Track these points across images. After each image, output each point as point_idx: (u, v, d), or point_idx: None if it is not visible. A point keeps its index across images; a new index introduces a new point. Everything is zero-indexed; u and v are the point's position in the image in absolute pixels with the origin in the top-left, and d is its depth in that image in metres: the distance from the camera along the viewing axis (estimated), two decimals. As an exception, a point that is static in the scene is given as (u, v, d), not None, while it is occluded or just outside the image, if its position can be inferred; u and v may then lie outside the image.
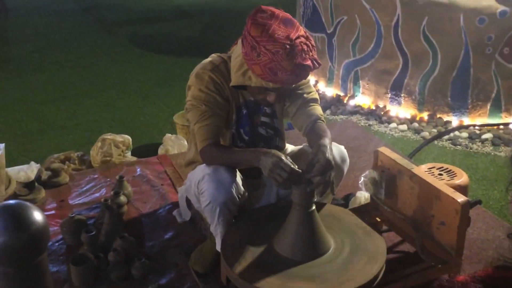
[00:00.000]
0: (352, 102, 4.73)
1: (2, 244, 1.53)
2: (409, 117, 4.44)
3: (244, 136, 2.35)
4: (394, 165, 2.30)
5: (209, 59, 2.28)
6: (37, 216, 1.60)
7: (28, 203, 1.63)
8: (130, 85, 5.42)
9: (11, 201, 1.64)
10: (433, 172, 2.45)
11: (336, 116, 4.52)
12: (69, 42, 6.87)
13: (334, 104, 4.72)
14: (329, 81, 5.02)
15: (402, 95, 4.47)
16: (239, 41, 2.15)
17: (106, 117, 4.62)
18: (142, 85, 5.40)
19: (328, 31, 4.86)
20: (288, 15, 2.08)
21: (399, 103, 4.50)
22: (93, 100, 5.01)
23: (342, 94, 4.90)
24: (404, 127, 4.29)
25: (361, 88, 4.73)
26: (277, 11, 2.06)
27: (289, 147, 2.55)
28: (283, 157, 1.98)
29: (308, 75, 2.17)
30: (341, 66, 4.83)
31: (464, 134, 4.10)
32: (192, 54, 6.23)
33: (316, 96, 2.37)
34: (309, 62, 2.03)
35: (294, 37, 2.00)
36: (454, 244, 2.08)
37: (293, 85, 2.22)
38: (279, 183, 1.97)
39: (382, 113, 4.51)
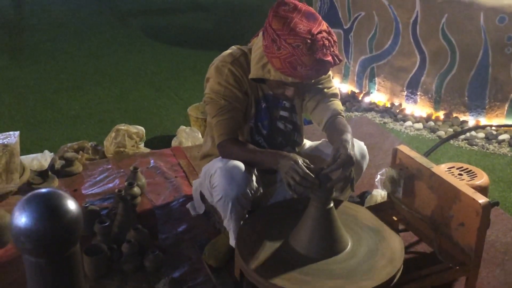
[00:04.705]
0: (367, 99, 4.68)
1: (36, 233, 1.49)
2: (425, 115, 4.39)
3: (263, 130, 2.32)
4: (413, 163, 2.27)
5: (229, 51, 2.26)
6: (71, 205, 1.56)
7: (62, 192, 1.59)
8: (144, 76, 5.40)
9: (44, 189, 1.60)
10: (452, 172, 2.42)
11: (350, 113, 4.48)
12: (83, 32, 6.86)
13: (349, 101, 4.68)
14: (344, 77, 4.97)
15: (418, 93, 4.42)
16: (260, 33, 2.12)
17: (119, 108, 4.61)
18: (156, 77, 5.38)
19: (345, 27, 4.82)
20: (311, 9, 2.05)
21: (415, 101, 4.46)
22: (107, 90, 5.00)
23: (357, 90, 4.85)
24: (420, 125, 4.24)
25: (376, 85, 4.69)
26: (300, 5, 2.03)
27: (307, 143, 2.52)
28: (300, 161, 1.95)
29: (328, 71, 2.15)
30: (357, 63, 4.79)
31: (481, 135, 4.05)
32: (206, 46, 6.20)
33: (336, 91, 2.34)
34: (329, 58, 2.00)
35: (315, 32, 1.97)
36: (473, 245, 2.05)
37: (312, 81, 2.19)
38: (291, 186, 1.94)
39: (398, 111, 4.46)
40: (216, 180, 2.12)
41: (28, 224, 1.49)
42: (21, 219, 1.50)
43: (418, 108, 4.45)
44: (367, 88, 4.77)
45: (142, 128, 3.64)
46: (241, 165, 2.10)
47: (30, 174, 2.93)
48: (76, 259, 1.67)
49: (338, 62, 2.05)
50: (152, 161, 3.28)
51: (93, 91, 4.97)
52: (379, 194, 2.75)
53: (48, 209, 1.52)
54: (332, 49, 2.02)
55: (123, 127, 3.51)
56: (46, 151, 3.33)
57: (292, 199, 2.30)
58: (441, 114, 4.35)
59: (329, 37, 2.02)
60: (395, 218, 2.39)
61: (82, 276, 1.73)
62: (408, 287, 2.01)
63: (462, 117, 4.27)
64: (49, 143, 3.85)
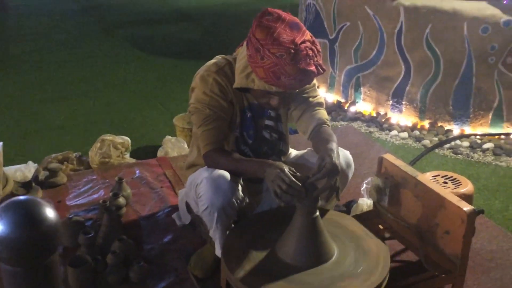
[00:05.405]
0: (352, 109, 4.70)
1: (13, 242, 1.46)
2: (410, 124, 4.41)
3: (248, 140, 2.32)
4: (399, 172, 2.28)
5: (213, 60, 2.25)
6: (49, 213, 1.53)
7: (40, 199, 1.57)
8: (130, 86, 5.39)
9: (22, 197, 1.57)
10: (437, 180, 2.43)
11: (336, 122, 4.50)
12: (69, 42, 6.84)
13: (334, 110, 4.70)
14: (330, 87, 5.00)
15: (403, 102, 4.45)
16: (245, 42, 2.12)
17: (105, 118, 4.58)
18: (142, 87, 5.37)
19: (330, 37, 4.85)
20: (295, 18, 2.05)
21: (400, 111, 4.48)
22: (92, 100, 4.97)
23: (343, 100, 4.87)
24: (405, 134, 4.26)
25: (362, 95, 4.71)
26: (283, 14, 2.03)
27: (293, 152, 2.52)
28: (286, 169, 1.95)
29: (312, 81, 2.15)
30: (342, 72, 4.81)
31: (465, 143, 4.08)
32: (192, 56, 6.21)
33: (322, 100, 2.35)
34: (313, 68, 2.00)
35: (299, 42, 1.97)
36: (458, 253, 2.05)
37: (297, 90, 2.19)
38: (278, 194, 1.93)
39: (383, 120, 4.49)
40: (202, 190, 2.11)
41: (5, 232, 1.46)
42: (-2, 227, 1.47)
43: (403, 117, 4.48)
44: (352, 98, 4.79)
45: (128, 139, 3.62)
46: (227, 175, 2.10)
47: (13, 185, 2.90)
48: (55, 268, 1.65)
49: (322, 72, 2.05)
50: (137, 171, 3.26)
51: (78, 101, 4.95)
52: (365, 203, 2.75)
53: (26, 216, 1.49)
54: (315, 59, 2.01)
55: (108, 138, 3.49)
56: (30, 162, 3.30)
57: (278, 208, 2.30)
58: (426, 123, 4.38)
59: (313, 47, 2.02)
60: (381, 227, 2.39)
61: (60, 285, 1.70)
62: (395, 296, 2.01)
63: (447, 126, 4.30)
64: (33, 154, 3.82)
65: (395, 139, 4.24)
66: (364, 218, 2.34)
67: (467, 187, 2.39)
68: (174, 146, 3.62)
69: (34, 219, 1.50)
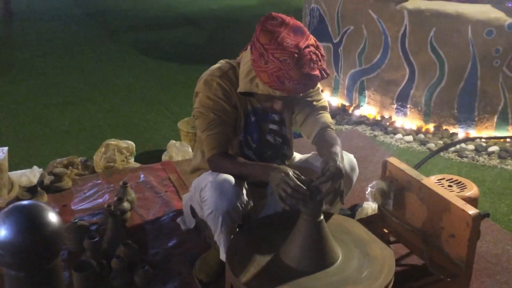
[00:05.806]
0: (357, 112, 4.70)
1: (16, 246, 1.46)
2: (415, 128, 4.41)
3: (252, 144, 2.32)
4: (403, 175, 2.27)
5: (217, 65, 2.26)
6: (52, 217, 1.54)
7: (42, 204, 1.57)
8: (134, 91, 5.40)
9: (25, 202, 1.57)
10: (442, 184, 2.42)
11: (341, 126, 4.50)
12: (73, 47, 6.86)
13: (339, 114, 4.69)
14: (335, 90, 4.99)
15: (408, 106, 4.45)
16: (249, 47, 2.12)
17: (109, 123, 4.60)
18: (146, 91, 5.38)
19: (335, 41, 4.85)
20: (298, 23, 2.05)
21: (405, 114, 4.48)
22: (97, 105, 4.99)
23: (347, 104, 4.87)
24: (410, 138, 4.25)
25: (366, 98, 4.71)
26: (287, 19, 2.04)
27: (297, 156, 2.52)
28: (291, 173, 1.95)
29: (316, 85, 2.15)
30: (346, 76, 4.81)
31: (471, 147, 4.07)
32: (196, 61, 6.22)
33: (326, 104, 2.35)
34: (317, 72, 2.00)
35: (303, 46, 1.97)
36: (463, 257, 2.04)
37: (301, 94, 2.19)
38: (283, 198, 1.93)
39: (388, 123, 4.48)
40: (207, 194, 2.11)
41: (8, 236, 1.46)
42: (1, 232, 1.47)
43: (408, 120, 4.47)
44: (357, 101, 4.79)
45: (132, 143, 3.63)
46: (232, 179, 2.10)
47: (19, 190, 2.91)
48: (58, 272, 1.65)
49: (326, 76, 2.05)
50: (142, 175, 3.27)
51: (83, 106, 4.96)
52: (370, 206, 2.75)
53: (29, 221, 1.49)
54: (319, 63, 2.02)
55: (113, 142, 3.50)
56: (35, 167, 3.31)
57: (283, 212, 2.29)
58: (431, 127, 4.37)
59: (317, 51, 2.02)
60: (386, 230, 2.38)
61: (64, 288, 1.70)
62: (400, 300, 2.00)
63: (451, 130, 4.29)
64: (38, 159, 3.83)
65: (400, 142, 4.23)
66: (368, 222, 2.33)
67: (472, 190, 2.38)
68: (179, 150, 3.63)
69: (37, 223, 1.50)
